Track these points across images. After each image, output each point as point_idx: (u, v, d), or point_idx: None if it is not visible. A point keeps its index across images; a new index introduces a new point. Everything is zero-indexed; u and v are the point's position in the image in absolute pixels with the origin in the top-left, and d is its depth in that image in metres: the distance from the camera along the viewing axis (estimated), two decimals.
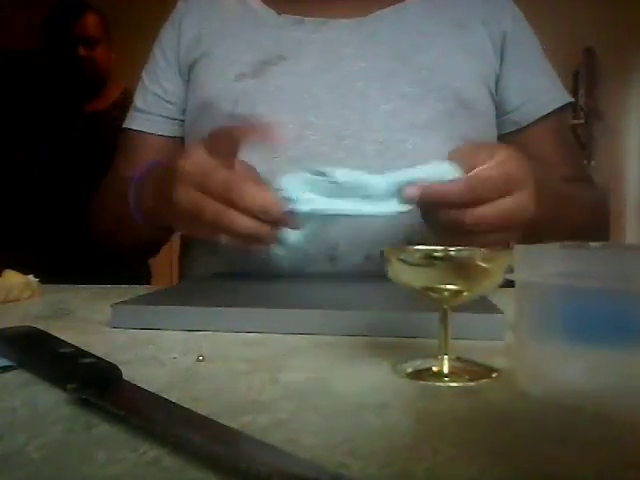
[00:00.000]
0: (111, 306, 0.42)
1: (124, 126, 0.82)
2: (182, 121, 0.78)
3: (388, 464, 0.19)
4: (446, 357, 0.31)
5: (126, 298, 0.45)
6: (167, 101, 0.79)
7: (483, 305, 0.42)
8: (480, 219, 0.46)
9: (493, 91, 0.73)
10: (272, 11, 0.74)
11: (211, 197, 0.48)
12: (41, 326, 0.36)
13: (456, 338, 0.37)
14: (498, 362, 0.32)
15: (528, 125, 0.74)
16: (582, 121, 3.17)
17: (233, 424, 0.22)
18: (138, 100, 0.81)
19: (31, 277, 0.58)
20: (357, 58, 0.69)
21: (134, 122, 0.80)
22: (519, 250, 0.28)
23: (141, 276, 1.46)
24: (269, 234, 0.48)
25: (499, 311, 0.39)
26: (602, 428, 0.23)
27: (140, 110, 0.80)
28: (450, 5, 0.74)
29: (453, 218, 0.46)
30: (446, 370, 0.30)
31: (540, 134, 0.74)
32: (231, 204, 0.47)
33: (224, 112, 0.69)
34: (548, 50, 0.80)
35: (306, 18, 0.72)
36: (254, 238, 0.48)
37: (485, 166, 0.46)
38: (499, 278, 0.29)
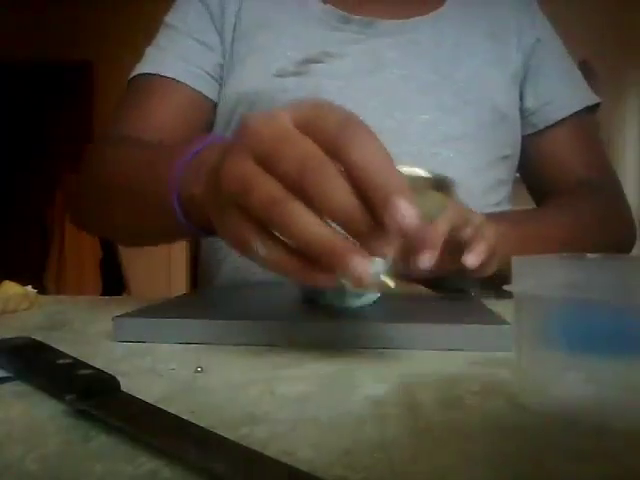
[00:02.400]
0: (113, 319, 0.41)
1: (142, 71, 0.69)
2: (219, 84, 0.70)
3: (387, 476, 0.19)
4: None
5: (125, 309, 0.45)
6: (210, 54, 0.70)
7: (490, 316, 0.42)
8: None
9: (518, 98, 0.74)
10: (319, 1, 0.72)
11: (276, 177, 0.29)
12: (39, 337, 0.36)
13: (463, 349, 0.37)
14: (502, 373, 0.32)
15: (546, 127, 0.75)
16: None
17: (231, 436, 0.22)
18: (170, 45, 0.69)
19: (29, 288, 0.58)
20: (398, 66, 0.68)
21: (167, 68, 0.67)
22: (517, 261, 0.28)
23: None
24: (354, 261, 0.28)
25: (506, 322, 0.39)
26: (602, 440, 0.22)
27: (175, 55, 0.68)
28: (485, 14, 0.75)
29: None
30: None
31: (556, 137, 0.75)
32: (307, 194, 0.28)
33: (260, 109, 0.66)
34: None
35: (352, 16, 0.70)
36: (326, 257, 0.29)
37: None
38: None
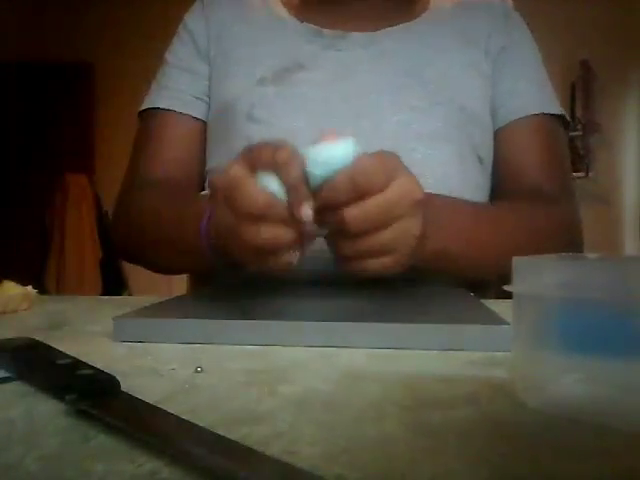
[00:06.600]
0: (113, 319, 0.41)
1: (145, 107, 0.78)
2: (207, 104, 0.77)
3: (386, 475, 0.19)
4: None
5: (125, 309, 0.45)
6: (198, 80, 0.77)
7: (490, 316, 0.42)
8: (361, 215, 0.42)
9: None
10: (294, 19, 0.77)
11: (233, 211, 0.42)
12: (39, 337, 0.36)
13: (463, 349, 0.37)
14: (501, 373, 0.32)
15: (500, 128, 0.75)
16: (580, 133, 3.19)
17: (232, 435, 0.22)
18: (164, 79, 0.78)
19: (29, 288, 0.58)
20: (370, 72, 0.72)
21: (160, 100, 0.76)
22: (517, 261, 0.28)
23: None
24: (295, 238, 0.42)
25: (506, 322, 0.39)
26: (600, 439, 0.22)
27: (168, 88, 0.77)
28: (457, 21, 0.77)
29: (335, 221, 0.43)
30: None
31: (510, 139, 0.75)
32: (241, 213, 0.42)
33: (240, 112, 0.71)
34: (545, 62, 0.81)
35: (324, 30, 0.75)
36: (279, 248, 0.42)
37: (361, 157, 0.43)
38: None
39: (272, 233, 0.41)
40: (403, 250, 0.45)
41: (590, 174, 3.15)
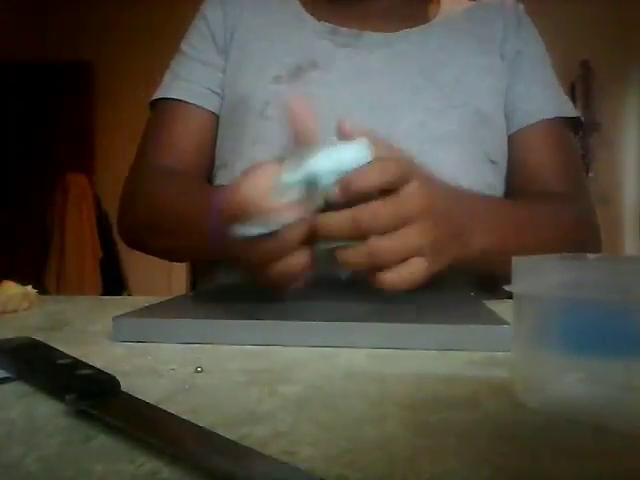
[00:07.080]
0: (113, 319, 0.41)
1: (158, 96, 0.78)
2: (221, 97, 0.77)
3: (387, 475, 0.19)
4: None
5: (125, 309, 0.45)
6: (214, 73, 0.76)
7: (490, 316, 0.42)
8: (370, 213, 0.43)
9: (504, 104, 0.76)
10: (312, 17, 0.77)
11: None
12: (39, 337, 0.36)
13: (463, 349, 0.37)
14: (501, 373, 0.32)
15: (514, 133, 0.75)
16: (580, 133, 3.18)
17: (231, 435, 0.22)
18: (178, 67, 0.78)
19: (29, 288, 0.58)
20: (385, 73, 0.72)
21: (173, 91, 0.76)
22: (517, 261, 0.28)
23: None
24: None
25: (506, 322, 0.39)
26: (600, 439, 0.22)
27: (182, 78, 0.77)
28: (472, 26, 0.77)
29: (347, 225, 0.43)
30: None
31: (524, 143, 0.75)
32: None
33: (253, 109, 0.71)
34: None
35: (341, 28, 0.74)
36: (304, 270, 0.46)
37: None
38: None
39: (301, 258, 0.45)
40: (420, 255, 0.44)
41: (590, 174, 3.15)
